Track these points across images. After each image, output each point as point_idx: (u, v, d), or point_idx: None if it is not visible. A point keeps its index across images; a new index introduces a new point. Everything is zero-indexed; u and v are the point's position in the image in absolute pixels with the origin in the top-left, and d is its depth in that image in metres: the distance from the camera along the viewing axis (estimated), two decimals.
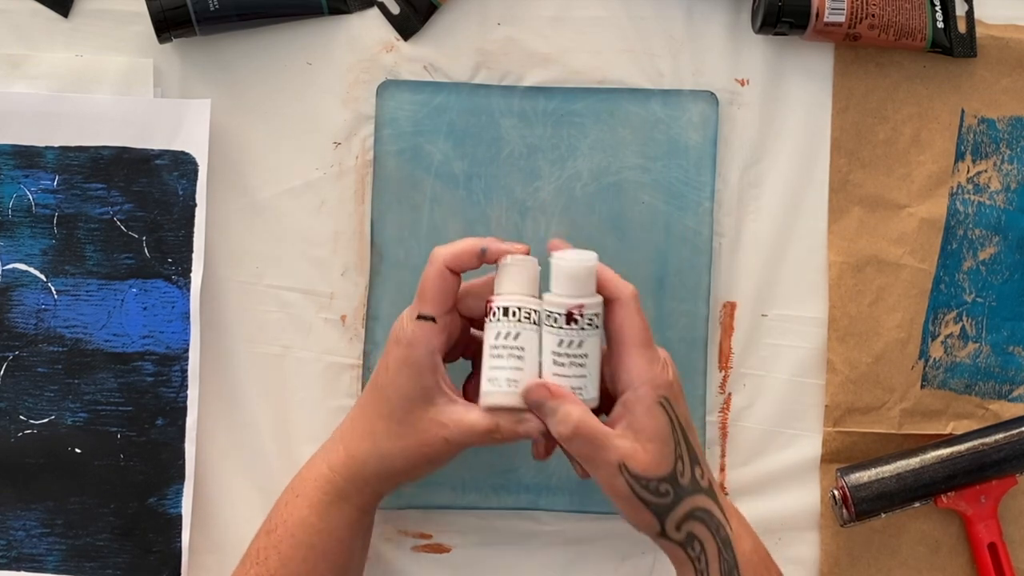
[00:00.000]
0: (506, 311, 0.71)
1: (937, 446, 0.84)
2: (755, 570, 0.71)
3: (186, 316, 0.83)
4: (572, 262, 0.71)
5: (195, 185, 0.83)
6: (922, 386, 0.86)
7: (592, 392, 0.71)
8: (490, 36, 0.85)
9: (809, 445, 0.86)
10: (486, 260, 0.73)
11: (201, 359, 0.83)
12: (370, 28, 0.85)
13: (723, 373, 0.86)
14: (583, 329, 0.70)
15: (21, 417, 0.82)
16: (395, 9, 0.85)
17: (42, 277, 0.82)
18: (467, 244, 0.72)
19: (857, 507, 0.82)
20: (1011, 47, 0.86)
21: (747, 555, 0.71)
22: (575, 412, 0.69)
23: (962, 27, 0.85)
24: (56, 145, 0.82)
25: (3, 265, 0.82)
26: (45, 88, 0.83)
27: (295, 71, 0.85)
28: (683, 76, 0.86)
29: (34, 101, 0.82)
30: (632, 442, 0.69)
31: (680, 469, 0.70)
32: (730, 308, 0.86)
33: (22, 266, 0.82)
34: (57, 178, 0.83)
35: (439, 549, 0.86)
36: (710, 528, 0.70)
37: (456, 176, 0.85)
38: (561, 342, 0.71)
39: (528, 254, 0.73)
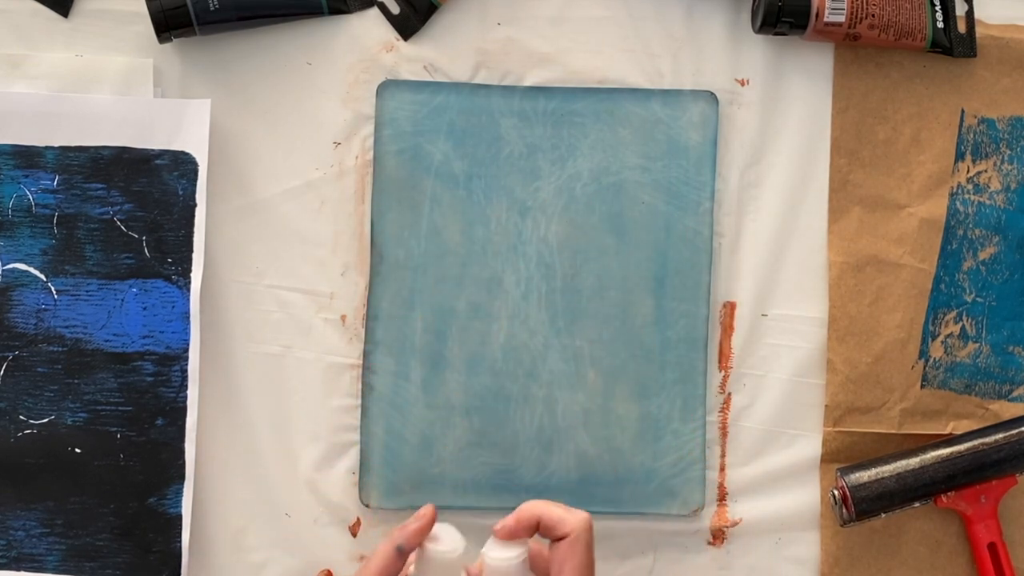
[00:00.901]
0: None
1: (937, 446, 0.84)
2: None
3: (186, 316, 0.83)
4: (503, 562, 0.69)
5: (195, 185, 0.83)
6: (922, 386, 0.86)
7: None
8: (490, 36, 0.85)
9: (809, 445, 0.86)
10: (407, 553, 0.70)
11: (201, 359, 0.83)
12: (370, 28, 0.85)
13: (723, 373, 0.86)
14: None
15: (21, 417, 0.82)
16: (395, 9, 0.85)
17: (42, 277, 0.82)
18: (383, 554, 0.69)
19: (857, 507, 0.82)
20: (1011, 47, 0.86)
21: None
22: None
23: (962, 27, 0.85)
24: (56, 145, 0.82)
25: (3, 265, 0.82)
26: (45, 88, 0.83)
27: (295, 71, 0.85)
28: (683, 76, 0.86)
29: (34, 101, 0.82)
30: None
31: None
32: (730, 308, 0.86)
33: (22, 266, 0.83)
34: (57, 178, 0.83)
35: None
36: None
37: (456, 176, 0.85)
38: None
39: (434, 517, 0.70)
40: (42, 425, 0.82)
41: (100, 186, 0.83)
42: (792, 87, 0.86)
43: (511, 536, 0.69)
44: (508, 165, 0.85)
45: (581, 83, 0.85)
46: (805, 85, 0.86)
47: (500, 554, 0.69)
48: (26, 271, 0.83)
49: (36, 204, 0.83)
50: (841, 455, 0.85)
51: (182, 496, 0.82)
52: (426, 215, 0.85)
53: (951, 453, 0.83)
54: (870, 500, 0.82)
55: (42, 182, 0.83)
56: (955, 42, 0.85)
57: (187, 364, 0.83)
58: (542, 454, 0.85)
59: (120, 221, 0.83)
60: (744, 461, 0.86)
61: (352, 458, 0.85)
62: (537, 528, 0.69)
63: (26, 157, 0.82)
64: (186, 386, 0.83)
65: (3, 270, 0.82)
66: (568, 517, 0.69)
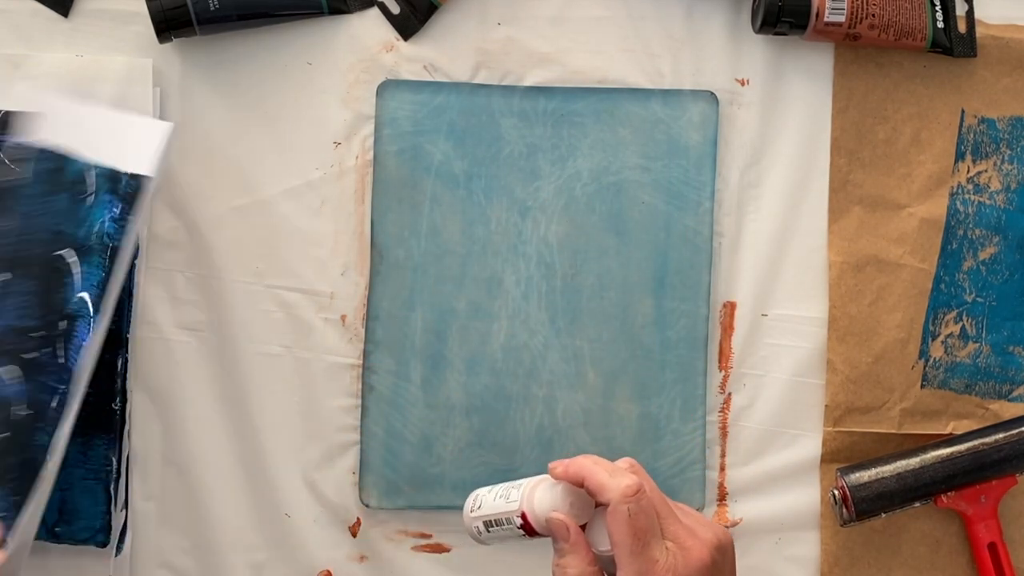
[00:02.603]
0: None
1: (937, 446, 0.84)
2: None
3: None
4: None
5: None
6: (922, 386, 0.86)
7: None
8: (490, 36, 0.85)
9: (809, 445, 0.86)
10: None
11: (202, 359, 0.83)
12: (370, 28, 0.85)
13: (723, 373, 0.86)
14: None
15: None
16: (395, 9, 0.85)
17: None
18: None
19: (857, 507, 0.82)
20: (1011, 47, 0.86)
21: None
22: (574, 567, 0.68)
23: (962, 27, 0.85)
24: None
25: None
26: (46, 87, 0.83)
27: (295, 71, 0.85)
28: (683, 76, 0.86)
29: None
30: None
31: None
32: (730, 308, 0.86)
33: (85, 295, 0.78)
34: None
35: (439, 549, 0.86)
36: None
37: (456, 176, 0.85)
38: None
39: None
40: None
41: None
42: (792, 87, 0.86)
43: (563, 478, 0.68)
44: (508, 165, 0.85)
45: (581, 83, 0.85)
46: (805, 85, 0.86)
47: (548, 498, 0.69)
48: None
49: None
50: (841, 455, 0.85)
51: None
52: (426, 215, 0.85)
53: (951, 453, 0.83)
54: (870, 500, 0.82)
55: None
56: (955, 42, 0.85)
57: None
58: (542, 454, 0.85)
59: None
60: (744, 461, 0.86)
61: (352, 458, 0.85)
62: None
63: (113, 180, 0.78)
64: None
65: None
66: (608, 484, 0.65)
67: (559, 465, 0.69)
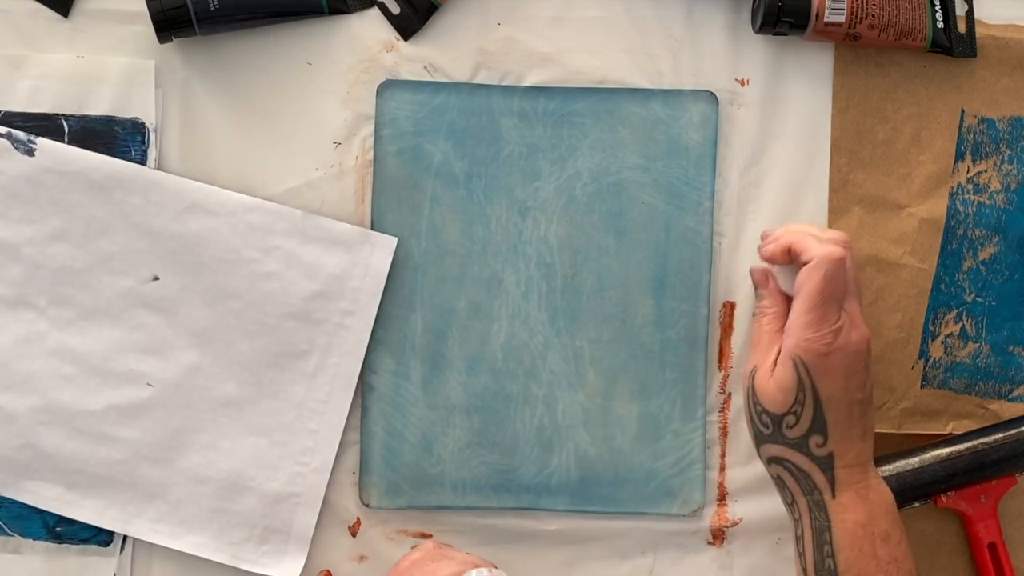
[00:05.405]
0: None
1: (937, 446, 0.84)
2: (853, 540, 0.74)
3: None
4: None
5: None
6: (922, 386, 0.86)
7: None
8: (490, 36, 0.85)
9: None
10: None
11: None
12: (370, 28, 0.85)
13: (723, 373, 0.86)
14: None
15: None
16: (395, 9, 0.85)
17: None
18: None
19: None
20: (1011, 47, 0.86)
21: (847, 524, 0.74)
22: (768, 310, 0.77)
23: (962, 27, 0.85)
24: None
25: None
26: (47, 89, 0.83)
27: (295, 71, 0.85)
28: (683, 76, 0.86)
29: None
30: (763, 367, 0.76)
31: (789, 422, 0.74)
32: (730, 308, 0.86)
33: None
34: None
35: None
36: (800, 484, 0.75)
37: (456, 176, 0.85)
38: None
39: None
40: None
41: None
42: (792, 87, 0.86)
43: (771, 260, 0.77)
44: (508, 165, 0.85)
45: (581, 83, 0.85)
46: (805, 85, 0.86)
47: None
48: None
49: None
50: None
51: None
52: (426, 215, 0.85)
53: (951, 453, 0.83)
54: None
55: None
56: (955, 42, 0.85)
57: None
58: (542, 454, 0.85)
59: None
60: (744, 461, 0.86)
61: (352, 458, 0.85)
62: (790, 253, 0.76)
63: None
64: None
65: None
66: (813, 248, 0.74)
67: (765, 247, 0.78)
